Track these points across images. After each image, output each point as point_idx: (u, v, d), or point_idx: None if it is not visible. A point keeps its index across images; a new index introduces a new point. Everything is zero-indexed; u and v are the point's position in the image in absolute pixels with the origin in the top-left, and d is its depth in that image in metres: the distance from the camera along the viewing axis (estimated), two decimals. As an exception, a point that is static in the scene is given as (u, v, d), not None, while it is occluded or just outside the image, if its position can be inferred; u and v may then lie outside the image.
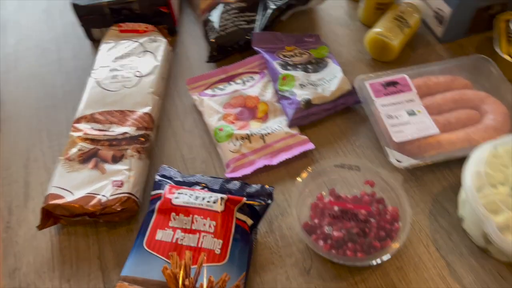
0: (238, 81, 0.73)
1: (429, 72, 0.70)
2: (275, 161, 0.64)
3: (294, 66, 0.73)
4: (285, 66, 0.72)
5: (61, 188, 0.58)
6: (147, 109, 0.67)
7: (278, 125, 0.67)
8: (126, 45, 0.75)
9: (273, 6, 0.76)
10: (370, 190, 0.59)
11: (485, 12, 0.75)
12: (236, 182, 0.59)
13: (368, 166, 0.58)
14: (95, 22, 0.78)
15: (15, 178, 0.65)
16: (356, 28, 0.83)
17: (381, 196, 0.57)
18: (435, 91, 0.67)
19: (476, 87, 0.69)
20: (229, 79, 0.74)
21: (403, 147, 0.62)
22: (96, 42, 0.80)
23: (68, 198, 0.57)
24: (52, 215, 0.57)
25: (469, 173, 0.54)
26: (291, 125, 0.67)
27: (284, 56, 0.75)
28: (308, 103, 0.67)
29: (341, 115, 0.70)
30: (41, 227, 0.57)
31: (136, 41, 0.75)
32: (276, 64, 0.72)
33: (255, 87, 0.72)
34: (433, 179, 0.62)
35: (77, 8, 0.76)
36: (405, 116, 0.63)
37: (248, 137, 0.65)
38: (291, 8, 0.77)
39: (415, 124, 0.62)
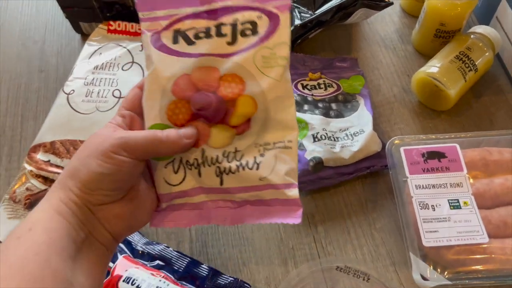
0: (225, 27, 0.35)
1: (492, 142, 0.52)
2: (238, 220, 0.36)
3: (314, 103, 0.57)
4: (302, 103, 0.56)
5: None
6: (117, 145, 0.53)
7: (260, 154, 0.36)
8: (112, 52, 0.61)
9: (297, 22, 0.59)
10: (379, 303, 0.44)
11: None
12: (205, 267, 0.46)
13: (377, 277, 0.43)
14: (82, 16, 0.64)
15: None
16: (407, 55, 0.64)
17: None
18: (495, 171, 0.50)
19: (554, 173, 0.50)
20: (213, 16, 0.35)
21: (436, 253, 0.46)
22: (86, 37, 0.67)
23: None
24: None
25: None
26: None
27: (304, 86, 0.58)
28: (318, 165, 0.51)
29: (364, 180, 0.54)
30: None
31: (124, 47, 0.61)
32: None
33: (250, 51, 0.35)
34: (470, 299, 0.46)
35: (59, -2, 0.62)
36: (446, 209, 0.47)
37: (197, 165, 0.36)
38: (321, 26, 0.59)
39: (456, 223, 0.46)
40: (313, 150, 0.52)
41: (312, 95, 0.58)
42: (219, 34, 0.35)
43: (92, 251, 0.32)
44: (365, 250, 0.50)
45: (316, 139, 0.53)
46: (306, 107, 0.56)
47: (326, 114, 0.56)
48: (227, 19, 0.35)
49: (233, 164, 0.35)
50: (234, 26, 0.35)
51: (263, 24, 0.35)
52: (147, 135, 0.33)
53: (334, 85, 0.59)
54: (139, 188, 0.35)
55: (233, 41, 0.35)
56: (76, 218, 0.32)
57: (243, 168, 0.35)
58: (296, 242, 0.51)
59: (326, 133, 0.53)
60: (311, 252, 0.50)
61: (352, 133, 0.54)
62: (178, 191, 0.36)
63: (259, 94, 0.35)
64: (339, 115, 0.56)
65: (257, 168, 0.35)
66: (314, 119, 0.54)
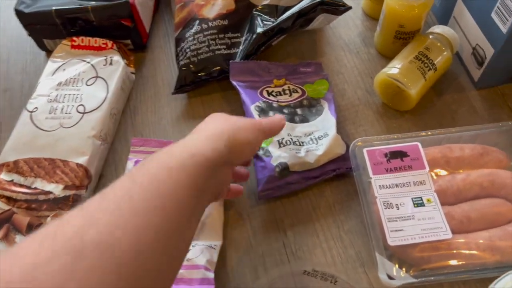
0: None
1: (453, 139, 0.53)
2: None
3: (279, 109, 0.57)
4: (267, 110, 0.57)
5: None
6: (82, 160, 0.53)
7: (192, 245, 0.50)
8: (76, 67, 0.60)
9: (259, 29, 0.59)
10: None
11: (542, 55, 0.56)
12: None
13: (345, 280, 0.43)
14: (46, 33, 0.64)
15: None
16: (370, 58, 0.65)
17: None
18: (457, 168, 0.50)
19: (514, 166, 0.51)
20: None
21: (401, 251, 0.46)
22: (50, 53, 0.66)
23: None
24: None
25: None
26: (260, 197, 0.52)
27: (269, 93, 0.59)
28: (284, 171, 0.51)
29: (331, 183, 0.55)
30: None
31: (88, 62, 0.61)
32: (253, 110, 0.56)
33: None
34: (438, 294, 0.47)
35: (20, 16, 0.62)
36: (410, 207, 0.47)
37: None
38: (283, 33, 0.60)
39: (420, 221, 0.46)
40: (279, 156, 0.52)
41: (277, 101, 0.58)
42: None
43: (201, 209, 0.37)
44: (334, 253, 0.50)
45: (282, 145, 0.53)
46: (271, 113, 0.57)
47: (292, 119, 0.56)
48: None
49: None
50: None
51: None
52: (269, 119, 0.46)
53: (299, 90, 0.59)
54: None
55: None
56: (213, 172, 0.36)
57: None
58: (266, 248, 0.51)
59: (291, 138, 0.54)
60: (281, 258, 0.50)
61: (317, 137, 0.54)
62: None
63: None
64: (304, 119, 0.56)
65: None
66: None
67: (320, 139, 0.54)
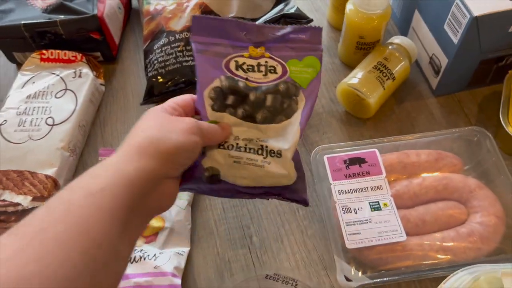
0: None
1: (410, 145, 0.55)
2: None
3: (242, 96, 0.43)
4: (226, 93, 0.42)
5: None
6: (51, 171, 0.54)
7: (160, 253, 0.50)
8: (45, 80, 0.61)
9: (225, 42, 0.61)
10: (310, 307, 0.46)
11: (494, 64, 0.59)
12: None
13: (306, 283, 0.45)
14: (15, 46, 0.65)
15: None
16: (334, 68, 0.68)
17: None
18: (413, 173, 0.53)
19: (467, 170, 0.54)
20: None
21: (359, 254, 0.48)
22: (21, 66, 0.67)
23: None
24: None
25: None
26: (181, 190, 0.41)
27: (239, 66, 0.43)
28: (214, 178, 0.41)
29: (295, 189, 0.57)
30: None
31: (57, 75, 0.62)
32: (207, 98, 0.42)
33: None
34: (395, 294, 0.49)
35: (-11, 30, 0.63)
36: (367, 211, 0.49)
37: None
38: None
39: (377, 224, 0.48)
40: (214, 160, 0.41)
41: (247, 79, 0.43)
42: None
43: (137, 223, 0.35)
44: (298, 257, 0.52)
45: (222, 146, 0.41)
46: (229, 100, 0.42)
47: (251, 115, 0.43)
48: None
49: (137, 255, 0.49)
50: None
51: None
52: (209, 124, 0.40)
53: (279, 68, 0.44)
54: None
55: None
56: (142, 191, 0.34)
57: (144, 259, 0.49)
58: (232, 254, 0.52)
59: (237, 143, 0.42)
60: (247, 263, 0.52)
61: (269, 151, 0.42)
62: None
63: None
64: (268, 119, 0.43)
65: (155, 259, 0.49)
66: (238, 123, 0.42)
67: (271, 155, 0.41)
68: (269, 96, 0.43)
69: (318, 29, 0.45)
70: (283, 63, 0.44)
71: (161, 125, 0.37)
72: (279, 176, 0.41)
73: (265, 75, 0.44)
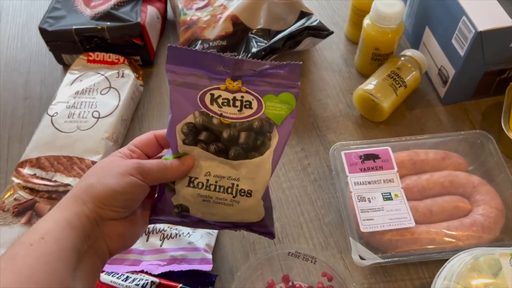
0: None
1: (419, 145, 0.61)
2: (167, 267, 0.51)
3: (216, 133, 0.42)
4: (199, 129, 0.42)
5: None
6: (97, 158, 0.61)
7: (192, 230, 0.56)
8: (92, 79, 0.69)
9: (254, 49, 0.68)
10: (327, 283, 0.51)
11: (497, 76, 0.65)
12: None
13: (324, 260, 0.51)
14: (64, 48, 0.73)
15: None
16: (351, 76, 0.74)
17: (335, 297, 0.50)
18: (421, 169, 0.59)
19: (472, 170, 0.60)
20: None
21: (372, 238, 0.54)
22: (67, 67, 0.75)
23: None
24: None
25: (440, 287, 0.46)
26: (152, 222, 0.44)
27: (214, 100, 0.42)
28: (183, 214, 0.43)
29: (314, 182, 0.62)
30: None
31: (102, 75, 0.69)
32: (179, 132, 0.42)
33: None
34: (404, 276, 0.54)
35: (44, 33, 0.70)
36: (380, 200, 0.55)
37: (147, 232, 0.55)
38: (274, 53, 0.69)
39: (389, 212, 0.54)
40: (184, 198, 0.42)
41: (221, 115, 0.42)
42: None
43: (90, 262, 0.36)
44: (315, 241, 0.58)
45: (192, 184, 0.42)
46: (202, 136, 0.42)
47: (224, 150, 0.42)
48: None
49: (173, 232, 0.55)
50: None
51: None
52: (158, 162, 0.40)
53: (255, 103, 0.43)
54: (137, 212, 0.41)
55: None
56: (84, 232, 0.35)
57: (179, 236, 0.55)
58: (256, 237, 0.58)
59: (208, 180, 0.42)
60: (270, 245, 0.57)
61: (239, 190, 0.42)
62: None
63: None
64: (241, 155, 0.42)
65: (189, 237, 0.55)
66: (206, 158, 0.42)
67: (241, 194, 0.42)
68: (243, 133, 0.42)
69: (297, 65, 0.43)
70: (259, 98, 0.43)
71: (100, 170, 0.38)
72: (248, 214, 0.43)
73: (240, 110, 0.42)
